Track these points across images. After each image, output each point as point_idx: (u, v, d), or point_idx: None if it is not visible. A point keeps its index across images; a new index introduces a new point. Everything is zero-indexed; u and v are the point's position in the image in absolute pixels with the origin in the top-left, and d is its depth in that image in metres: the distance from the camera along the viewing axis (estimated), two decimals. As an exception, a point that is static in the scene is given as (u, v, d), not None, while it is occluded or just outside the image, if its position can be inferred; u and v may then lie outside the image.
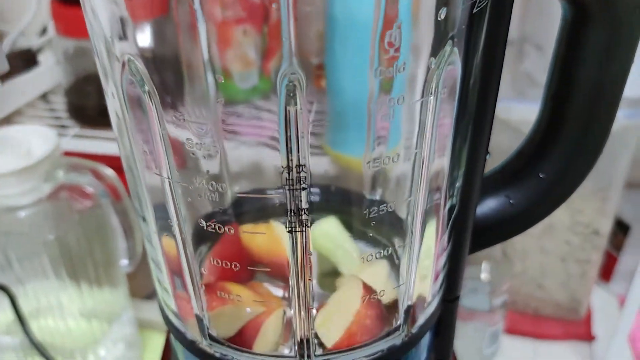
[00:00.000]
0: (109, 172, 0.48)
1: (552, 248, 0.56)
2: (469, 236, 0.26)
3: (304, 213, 0.20)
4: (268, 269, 0.22)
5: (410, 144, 0.21)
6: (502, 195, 0.27)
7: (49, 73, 0.65)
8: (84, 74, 0.59)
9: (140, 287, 0.61)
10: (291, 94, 0.18)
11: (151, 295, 0.63)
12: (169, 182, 0.21)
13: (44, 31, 0.74)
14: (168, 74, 0.19)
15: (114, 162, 0.51)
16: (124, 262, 0.51)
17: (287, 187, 0.19)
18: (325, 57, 0.18)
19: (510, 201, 0.27)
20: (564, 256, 0.56)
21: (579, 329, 0.59)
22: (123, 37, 0.19)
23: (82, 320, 0.50)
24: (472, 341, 0.55)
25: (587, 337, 0.58)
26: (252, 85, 0.18)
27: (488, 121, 0.23)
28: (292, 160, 0.19)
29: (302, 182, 0.19)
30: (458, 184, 0.24)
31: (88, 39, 0.59)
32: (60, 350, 0.50)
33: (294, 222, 0.20)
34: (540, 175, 0.26)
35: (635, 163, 0.53)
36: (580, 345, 0.57)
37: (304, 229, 0.20)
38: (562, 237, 0.55)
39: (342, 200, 0.22)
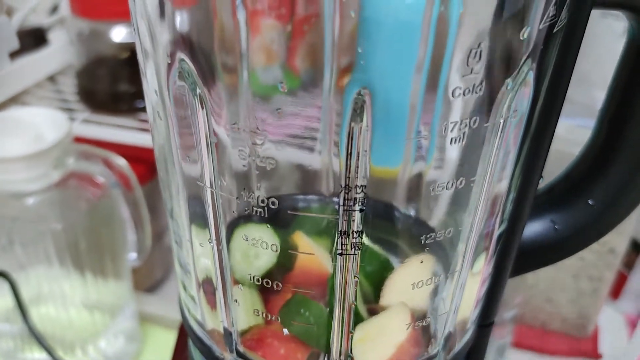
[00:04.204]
0: (121, 161, 0.46)
1: (565, 263, 0.55)
2: (512, 261, 0.25)
3: (357, 235, 0.19)
4: (311, 291, 0.20)
5: (470, 169, 0.19)
6: (547, 219, 0.26)
7: (59, 53, 0.63)
8: (97, 57, 0.57)
9: (142, 279, 0.59)
10: (358, 110, 0.17)
11: (152, 288, 0.62)
12: (212, 191, 0.20)
13: (54, 9, 0.72)
14: (221, 78, 0.18)
15: (124, 151, 0.49)
16: (132, 255, 0.49)
17: (343, 207, 0.18)
18: (395, 73, 0.17)
19: (555, 227, 0.26)
20: (577, 272, 0.56)
21: (586, 346, 0.58)
22: (172, 30, 0.18)
23: (84, 311, 0.48)
24: (478, 353, 0.54)
25: (593, 354, 0.58)
26: (313, 98, 0.17)
27: (547, 145, 0.22)
28: (349, 179, 0.18)
29: (359, 203, 0.18)
30: (509, 209, 0.23)
31: (105, 20, 0.57)
32: (60, 341, 0.48)
33: (346, 244, 0.19)
34: (589, 202, 0.25)
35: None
36: (586, 364, 0.57)
37: (355, 251, 0.19)
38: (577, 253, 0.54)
39: (391, 224, 0.21)
